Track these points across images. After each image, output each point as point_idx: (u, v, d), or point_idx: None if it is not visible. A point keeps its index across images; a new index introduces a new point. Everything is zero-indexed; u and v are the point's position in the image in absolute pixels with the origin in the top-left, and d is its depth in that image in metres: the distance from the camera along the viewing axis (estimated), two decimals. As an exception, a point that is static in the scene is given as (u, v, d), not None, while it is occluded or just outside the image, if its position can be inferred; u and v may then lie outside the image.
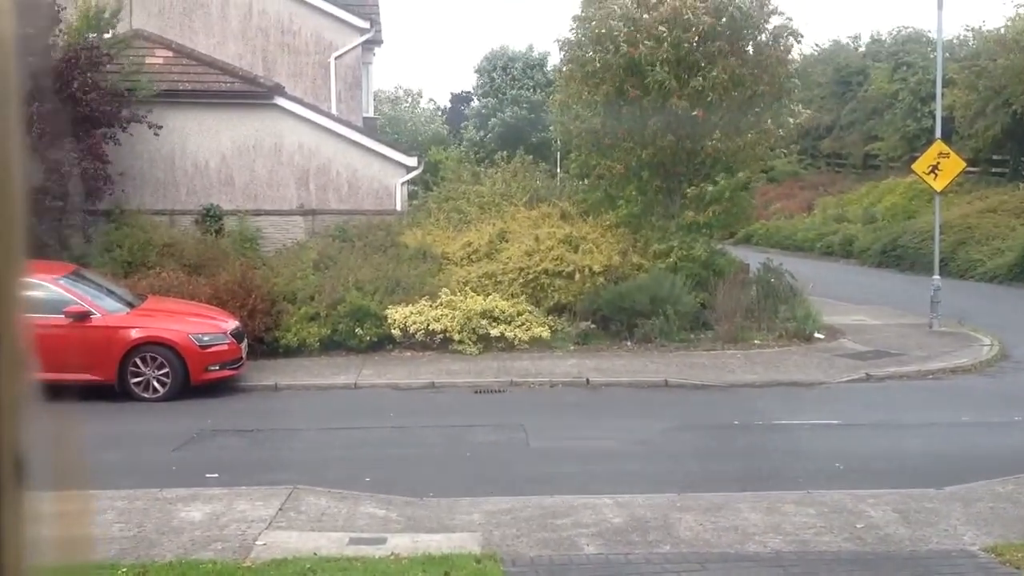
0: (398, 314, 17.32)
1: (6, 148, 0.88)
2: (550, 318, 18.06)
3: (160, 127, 19.57)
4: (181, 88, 21.14)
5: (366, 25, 25.81)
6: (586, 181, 21.93)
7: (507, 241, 19.60)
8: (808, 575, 7.62)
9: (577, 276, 18.15)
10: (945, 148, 20.36)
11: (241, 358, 15.18)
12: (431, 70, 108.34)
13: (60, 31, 18.23)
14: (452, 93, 69.67)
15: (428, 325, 17.16)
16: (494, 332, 17.29)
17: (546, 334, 17.56)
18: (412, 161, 22.58)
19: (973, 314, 20.66)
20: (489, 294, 17.99)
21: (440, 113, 59.52)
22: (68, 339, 13.64)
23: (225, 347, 14.80)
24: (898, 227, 32.57)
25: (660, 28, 18.52)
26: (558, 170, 31.47)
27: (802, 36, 20.12)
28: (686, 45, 18.65)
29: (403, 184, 22.59)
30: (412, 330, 17.19)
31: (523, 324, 17.56)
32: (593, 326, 18.22)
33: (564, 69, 21.21)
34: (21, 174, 0.90)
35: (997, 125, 33.47)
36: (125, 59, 19.80)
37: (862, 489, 9.78)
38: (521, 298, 18.11)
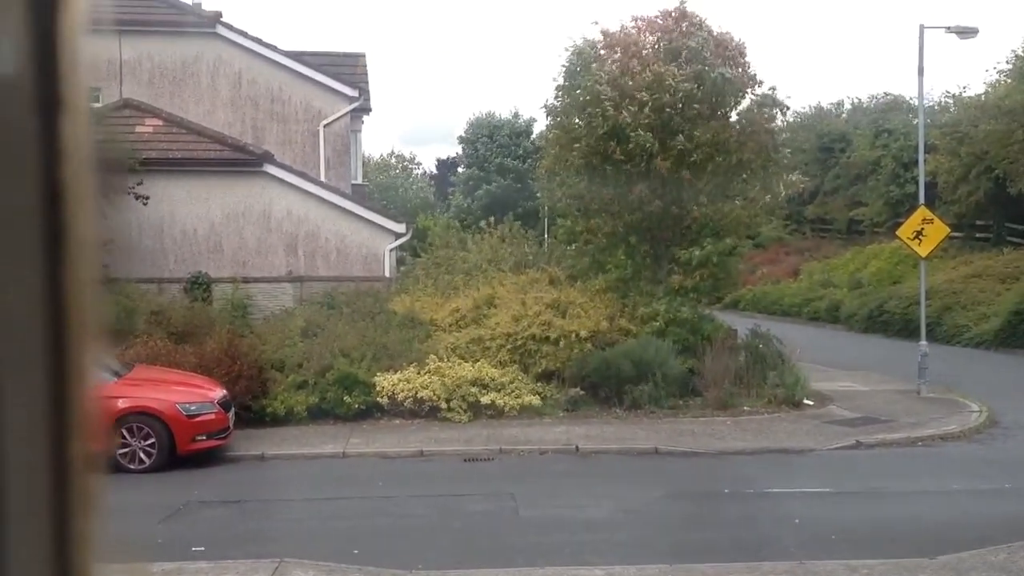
0: (386, 381, 17.26)
1: (84, 221, 0.91)
2: (539, 384, 18.01)
3: (147, 198, 19.62)
4: (171, 156, 21.26)
5: (355, 93, 26.10)
6: (573, 247, 22.03)
7: (495, 307, 19.61)
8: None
9: (562, 342, 18.14)
10: (929, 214, 20.56)
11: (228, 427, 15.06)
12: (419, 136, 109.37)
13: None
14: (438, 159, 70.20)
15: (416, 392, 17.09)
16: (484, 400, 17.22)
17: (536, 402, 17.50)
18: (400, 227, 22.70)
19: (961, 380, 20.70)
20: (477, 360, 17.95)
21: (429, 181, 59.86)
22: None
23: (212, 416, 14.69)
24: (884, 292, 32.76)
25: (642, 94, 18.78)
26: (546, 236, 31.64)
27: (787, 107, 20.43)
28: (668, 110, 18.92)
29: (391, 250, 22.67)
30: (400, 397, 17.11)
31: (513, 391, 17.51)
32: (582, 392, 18.16)
33: (550, 135, 21.43)
34: (96, 247, 0.93)
35: (980, 191, 33.85)
36: (113, 128, 19.94)
37: (855, 559, 9.71)
38: (512, 366, 18.07)
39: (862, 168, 43.50)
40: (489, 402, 17.22)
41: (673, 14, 20.15)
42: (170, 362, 16.60)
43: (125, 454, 14.17)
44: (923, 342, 20.29)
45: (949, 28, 20.78)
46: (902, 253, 32.88)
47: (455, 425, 16.83)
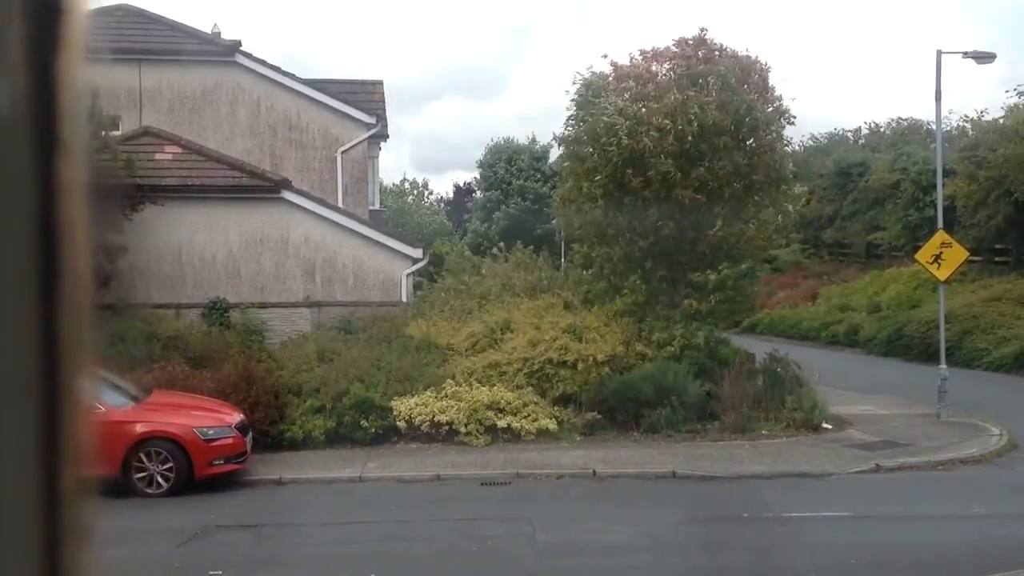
0: (403, 406, 17.27)
1: (78, 254, 0.92)
2: (556, 408, 17.99)
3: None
4: (190, 183, 21.43)
5: (372, 120, 26.27)
6: (590, 271, 22.02)
7: (511, 331, 19.62)
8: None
9: (580, 366, 18.12)
10: (948, 238, 20.48)
11: (245, 452, 15.08)
12: (436, 162, 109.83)
13: None
14: (455, 185, 70.47)
15: (433, 416, 17.10)
16: (501, 423, 17.21)
17: (553, 426, 17.47)
18: (417, 253, 22.78)
19: (981, 404, 20.54)
20: (494, 384, 17.95)
21: (444, 206, 60.00)
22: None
23: (230, 441, 14.72)
24: (903, 316, 32.58)
25: (664, 121, 18.70)
26: (563, 260, 31.66)
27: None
28: (690, 138, 18.82)
29: (408, 275, 22.73)
30: (417, 422, 17.12)
31: (529, 415, 17.49)
32: (599, 416, 18.12)
33: (564, 165, 21.45)
34: (89, 271, 0.94)
35: (1000, 215, 33.67)
36: (134, 156, 20.10)
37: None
38: (527, 389, 18.06)
39: (880, 192, 43.39)
40: (506, 426, 17.20)
41: (691, 42, 20.18)
42: (188, 387, 16.66)
43: (143, 478, 14.21)
44: (943, 366, 20.16)
45: (966, 53, 20.74)
46: (921, 277, 32.71)
47: (472, 449, 16.81)
